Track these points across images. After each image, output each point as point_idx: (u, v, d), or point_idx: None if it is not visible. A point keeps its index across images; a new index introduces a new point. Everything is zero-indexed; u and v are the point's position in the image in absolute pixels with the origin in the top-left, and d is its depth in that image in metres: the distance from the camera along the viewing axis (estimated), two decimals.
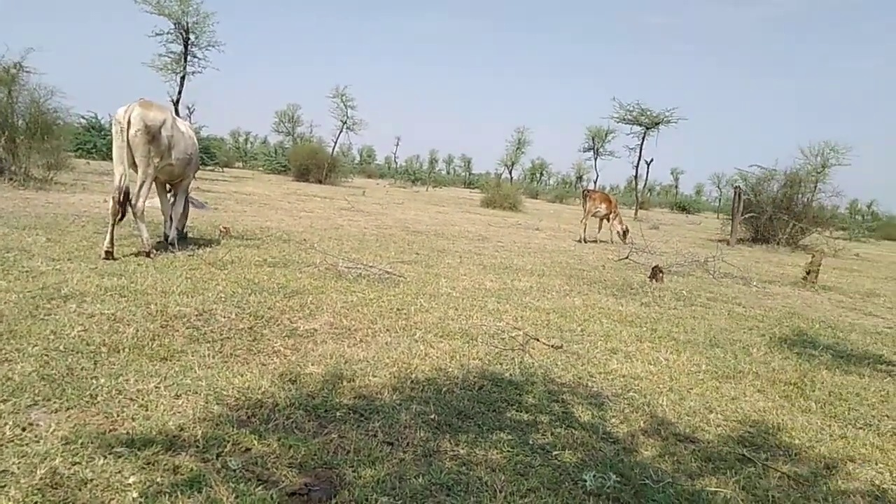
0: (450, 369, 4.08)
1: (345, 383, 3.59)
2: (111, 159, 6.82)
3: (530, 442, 3.07)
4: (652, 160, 38.07)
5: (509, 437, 3.09)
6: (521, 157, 62.91)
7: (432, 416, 3.24)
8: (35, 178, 13.60)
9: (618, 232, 15.97)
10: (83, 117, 29.24)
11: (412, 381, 3.75)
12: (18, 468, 2.30)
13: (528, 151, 63.22)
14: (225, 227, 9.25)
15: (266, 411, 3.07)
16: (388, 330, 4.89)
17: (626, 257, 11.81)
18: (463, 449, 2.90)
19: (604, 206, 15.87)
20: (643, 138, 36.16)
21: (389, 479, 2.52)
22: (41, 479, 2.24)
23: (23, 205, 10.43)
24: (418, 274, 7.66)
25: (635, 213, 33.30)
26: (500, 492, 2.54)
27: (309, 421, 3.02)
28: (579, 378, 4.21)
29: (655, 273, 9.31)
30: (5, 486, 2.17)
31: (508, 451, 2.93)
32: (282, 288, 5.94)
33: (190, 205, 8.16)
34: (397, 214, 17.92)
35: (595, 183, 49.94)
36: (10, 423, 2.64)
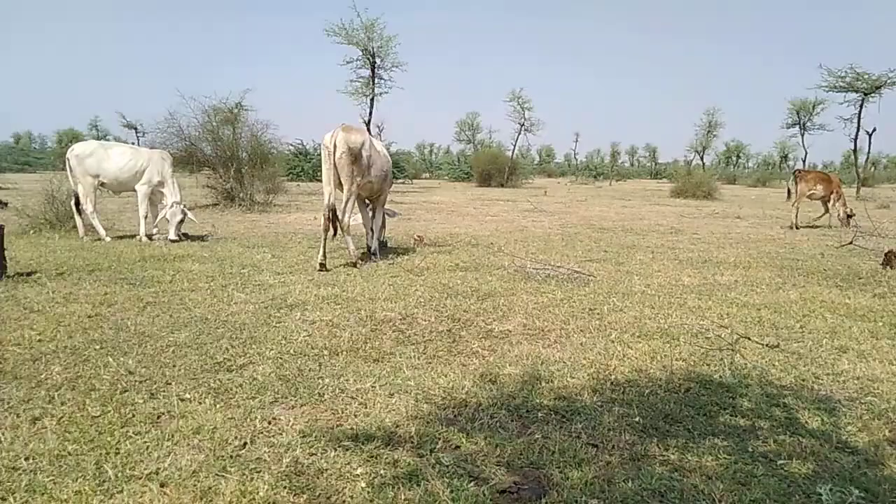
0: (651, 371, 3.92)
1: (543, 384, 3.62)
2: (318, 181, 7.64)
3: (750, 449, 2.84)
4: (874, 130, 33.03)
5: (725, 443, 2.90)
6: (712, 141, 58.31)
7: (636, 419, 3.14)
8: (258, 203, 15.57)
9: (839, 215, 14.12)
10: (291, 145, 32.84)
11: (612, 383, 3.67)
12: (268, 456, 2.65)
13: (720, 134, 58.45)
14: (419, 236, 9.80)
15: (471, 410, 3.20)
16: (581, 330, 4.84)
17: (850, 243, 10.41)
18: (673, 454, 2.77)
19: (821, 186, 14.12)
20: (861, 106, 31.53)
21: (597, 482, 2.50)
22: (287, 466, 2.56)
23: (250, 226, 11.99)
24: (608, 272, 7.46)
25: (857, 191, 29.18)
26: (720, 501, 2.39)
27: (512, 421, 3.09)
28: (802, 380, 3.81)
29: (890, 259, 8.09)
30: (260, 471, 2.52)
31: (725, 458, 2.74)
32: (474, 291, 6.15)
33: (386, 216, 8.78)
34: (581, 212, 17.62)
35: (804, 161, 44.55)
36: (259, 417, 3.05)
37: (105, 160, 9.22)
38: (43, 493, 2.30)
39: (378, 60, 25.36)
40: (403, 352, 4.21)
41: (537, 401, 3.36)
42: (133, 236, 9.56)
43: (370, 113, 26.02)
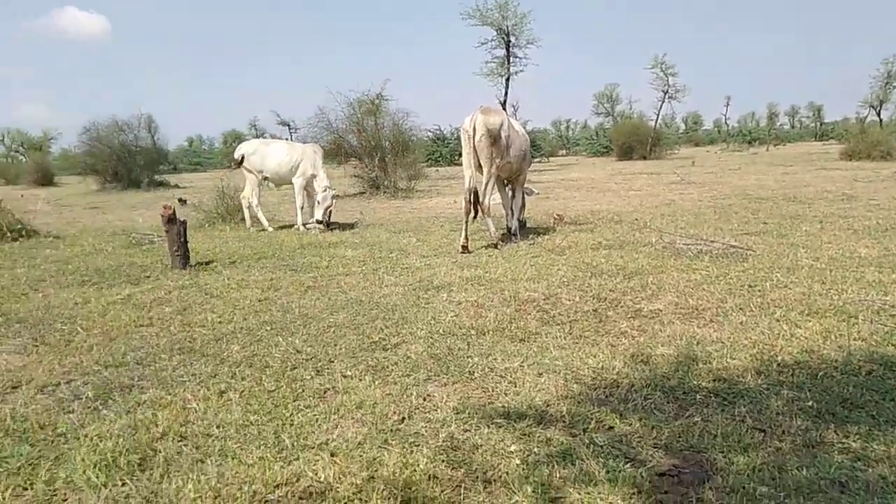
0: (824, 351, 3.58)
1: (700, 365, 3.44)
2: (457, 165, 7.80)
3: None
4: None
5: None
6: (891, 94, 51.35)
7: (809, 404, 2.89)
8: (401, 189, 16.18)
9: None
10: (429, 131, 33.64)
11: (778, 364, 3.41)
12: (426, 431, 2.78)
13: None
14: (558, 215, 9.67)
15: (623, 391, 3.13)
16: (740, 308, 4.52)
17: None
18: (855, 442, 2.52)
19: None
20: None
21: (767, 469, 2.34)
22: (443, 441, 2.67)
23: (395, 212, 12.50)
24: (769, 245, 6.89)
25: None
26: None
27: (668, 403, 2.98)
28: None
29: None
30: (419, 444, 2.65)
31: None
32: (620, 269, 5.96)
33: (525, 195, 8.74)
34: (735, 181, 16.38)
35: None
36: (414, 393, 3.20)
37: (266, 157, 10.03)
38: (233, 458, 2.58)
39: (512, 39, 25.18)
40: (549, 332, 4.20)
41: (694, 382, 3.21)
42: (291, 226, 10.34)
43: (506, 93, 25.97)
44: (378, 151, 16.05)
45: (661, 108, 37.78)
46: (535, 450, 2.56)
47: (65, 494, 2.37)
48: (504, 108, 25.03)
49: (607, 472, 2.35)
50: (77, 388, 3.46)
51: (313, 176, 10.09)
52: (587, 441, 2.61)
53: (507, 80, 25.74)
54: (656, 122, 37.92)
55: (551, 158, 41.17)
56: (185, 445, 2.72)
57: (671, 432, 2.66)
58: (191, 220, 10.03)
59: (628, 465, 2.40)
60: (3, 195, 14.30)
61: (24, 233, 9.80)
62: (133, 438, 2.78)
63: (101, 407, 3.20)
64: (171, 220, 6.90)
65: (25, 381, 3.58)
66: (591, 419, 2.81)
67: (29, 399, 3.33)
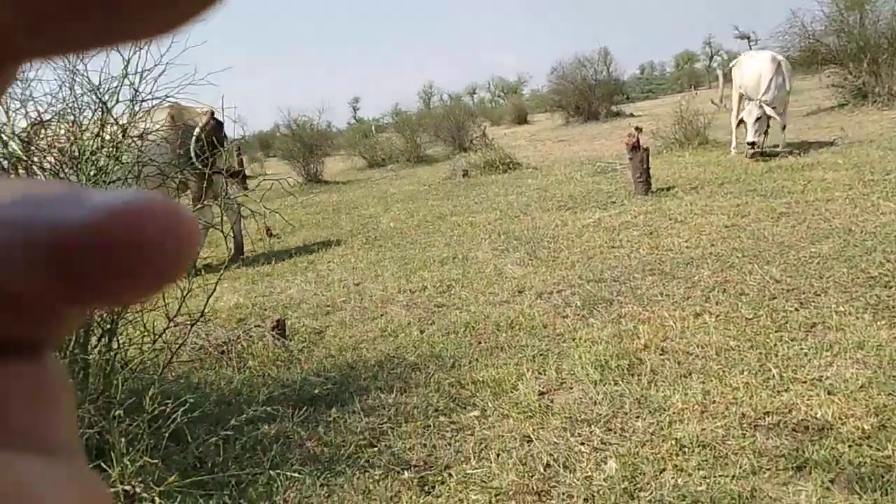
0: None
1: None
2: None
3: None
4: None
5: None
6: None
7: None
8: None
9: None
10: None
11: None
12: None
13: None
14: None
15: None
16: None
17: None
18: None
19: None
20: None
21: None
22: None
23: (890, 125, 10.25)
24: None
25: None
26: None
27: None
28: None
29: None
30: None
31: None
32: None
33: None
34: None
35: None
36: None
37: (744, 68, 9.02)
38: (716, 378, 2.63)
39: None
40: None
41: None
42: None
43: None
44: (867, 52, 13.24)
45: None
46: None
47: (570, 384, 2.82)
48: None
49: None
50: (567, 298, 4.00)
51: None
52: None
53: None
54: None
55: None
56: (666, 359, 2.89)
57: None
58: (650, 146, 10.24)
59: None
60: (492, 134, 17.17)
61: (511, 165, 11.63)
62: (619, 346, 3.09)
63: (588, 315, 3.64)
64: (634, 147, 7.17)
65: (527, 288, 4.32)
66: None
67: (531, 302, 4.01)
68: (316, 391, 3.04)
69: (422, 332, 3.75)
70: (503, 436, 2.45)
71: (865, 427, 2.11)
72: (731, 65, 9.36)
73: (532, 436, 2.41)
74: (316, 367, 3.37)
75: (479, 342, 3.45)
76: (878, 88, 12.98)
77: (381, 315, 4.20)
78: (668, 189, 7.23)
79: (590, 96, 23.49)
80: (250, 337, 3.82)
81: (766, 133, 8.41)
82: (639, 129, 8.10)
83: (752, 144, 8.06)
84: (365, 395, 2.94)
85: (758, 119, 7.99)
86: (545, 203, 7.61)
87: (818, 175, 6.71)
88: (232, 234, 6.74)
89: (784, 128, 8.80)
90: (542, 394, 2.74)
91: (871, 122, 11.02)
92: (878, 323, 2.93)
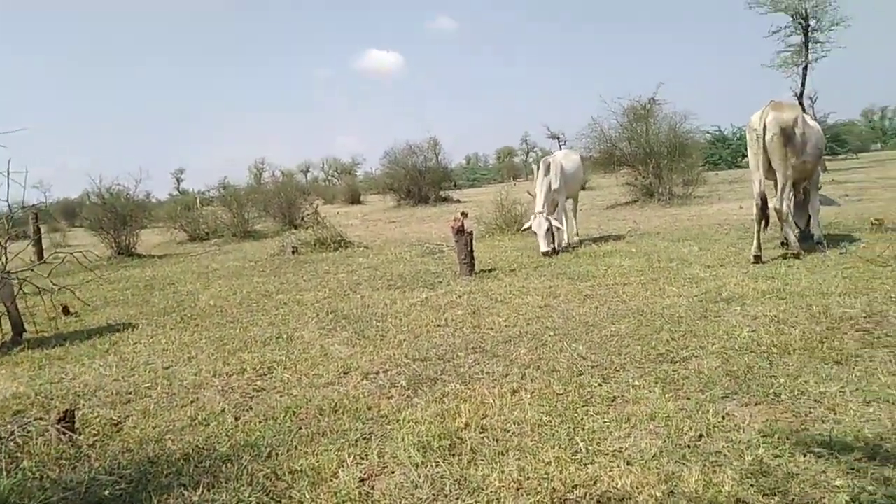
0: None
1: None
2: (739, 167, 7.14)
3: None
4: None
5: None
6: None
7: None
8: (677, 196, 15.34)
9: None
10: (708, 132, 31.28)
11: None
12: (728, 451, 2.60)
13: None
14: (877, 219, 8.21)
15: None
16: None
17: None
18: None
19: None
20: None
21: None
22: (749, 464, 2.46)
23: (671, 220, 11.90)
24: None
25: None
26: None
27: None
28: None
29: None
30: (722, 464, 2.49)
31: None
32: None
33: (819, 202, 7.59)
34: None
35: None
36: (711, 410, 3.01)
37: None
38: (531, 454, 2.72)
39: (812, 22, 22.18)
40: (874, 355, 3.60)
41: None
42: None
43: (802, 84, 22.97)
44: (651, 157, 15.45)
45: None
46: (870, 488, 2.22)
47: (392, 468, 2.75)
48: (801, 102, 22.19)
49: None
50: (393, 377, 3.98)
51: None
52: None
53: (805, 69, 22.71)
54: None
55: (861, 154, 35.10)
56: (486, 437, 2.95)
57: None
58: (475, 230, 10.84)
59: None
60: (324, 213, 17.14)
61: (343, 244, 11.64)
62: (442, 426, 3.10)
63: (412, 395, 3.64)
64: (459, 230, 7.55)
65: (353, 368, 4.23)
66: None
67: (357, 384, 3.93)
68: (106, 492, 2.66)
69: (237, 419, 3.49)
70: None
71: (657, 494, 2.30)
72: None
73: None
74: (109, 465, 2.97)
75: (300, 428, 3.28)
76: (661, 188, 15.11)
77: (192, 402, 3.85)
78: (490, 271, 7.65)
79: (420, 181, 24.56)
80: (28, 432, 3.29)
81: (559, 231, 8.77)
82: (464, 214, 8.51)
83: (546, 254, 8.26)
84: (166, 494, 2.63)
85: (547, 230, 8.34)
86: (375, 282, 7.65)
87: (616, 261, 7.52)
88: (7, 313, 5.90)
89: (566, 231, 9.13)
90: (362, 480, 2.65)
91: (656, 217, 12.72)
92: (667, 395, 3.26)
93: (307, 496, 2.54)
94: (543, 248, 8.30)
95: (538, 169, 8.82)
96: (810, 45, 22.42)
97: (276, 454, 2.96)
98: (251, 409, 3.65)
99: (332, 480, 2.66)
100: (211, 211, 20.00)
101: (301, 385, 3.98)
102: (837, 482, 2.27)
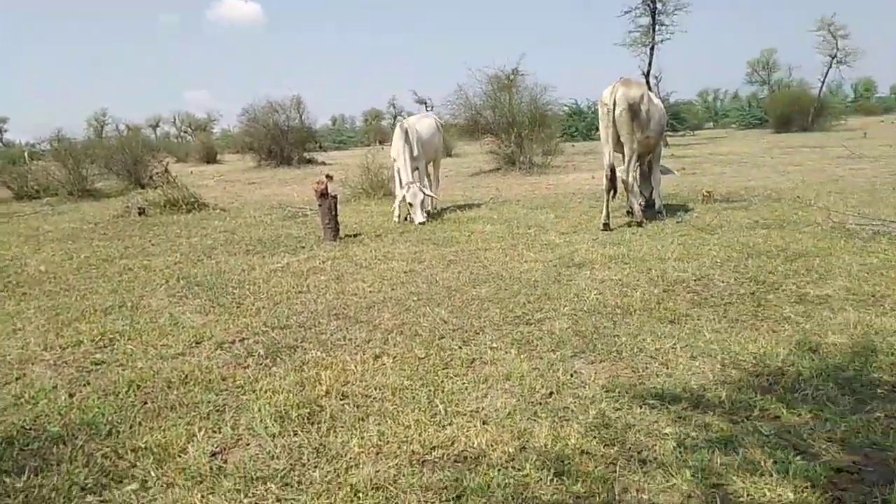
0: None
1: (881, 357, 3.12)
2: (593, 140, 7.57)
3: None
4: None
5: None
6: None
7: None
8: (536, 165, 15.99)
9: None
10: (566, 105, 32.79)
11: None
12: (575, 407, 2.77)
13: None
14: (707, 192, 9.10)
15: (789, 380, 2.91)
16: None
17: None
18: None
19: None
20: None
21: None
22: (594, 418, 2.65)
23: (531, 188, 12.40)
24: None
25: None
26: None
27: (843, 395, 2.74)
28: None
29: None
30: (569, 419, 2.65)
31: None
32: (781, 251, 5.52)
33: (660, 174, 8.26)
34: None
35: None
36: (561, 369, 3.20)
37: (395, 135, 9.01)
38: (391, 419, 2.74)
39: (659, 5, 23.83)
40: (702, 314, 4.00)
41: (875, 375, 2.92)
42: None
43: (649, 63, 24.70)
44: (514, 127, 15.94)
45: (826, 74, 34.08)
46: (693, 434, 2.47)
47: (247, 440, 2.65)
48: (647, 80, 23.85)
49: (775, 462, 2.22)
50: (250, 346, 3.82)
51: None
52: (750, 429, 2.47)
53: (652, 49, 24.44)
54: (821, 90, 34.31)
55: (697, 132, 38.65)
56: (346, 404, 2.92)
57: (849, 427, 2.45)
58: (338, 195, 10.61)
59: (799, 458, 2.24)
60: (176, 172, 15.97)
61: (196, 206, 10.91)
62: (301, 394, 3.03)
63: (271, 364, 3.51)
64: (323, 194, 7.35)
65: (206, 338, 4.00)
66: (754, 407, 2.66)
67: (210, 354, 3.72)
68: None
69: (71, 395, 3.18)
70: None
71: (510, 451, 2.40)
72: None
73: (199, 503, 2.18)
74: None
75: (146, 402, 3.06)
76: (522, 157, 15.66)
77: (18, 378, 3.45)
78: (355, 236, 7.55)
79: (282, 141, 23.55)
80: None
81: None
82: (329, 177, 8.30)
83: (420, 223, 8.12)
84: None
85: (423, 200, 8.30)
86: (232, 247, 7.27)
87: (479, 228, 7.72)
88: None
89: (433, 199, 9.12)
90: (214, 454, 2.52)
91: (517, 185, 13.19)
92: (522, 356, 3.41)
93: (152, 474, 2.38)
94: (419, 218, 8.21)
95: (395, 134, 8.73)
96: (657, 27, 24.14)
97: (118, 432, 2.74)
98: (89, 384, 3.34)
99: (180, 456, 2.51)
100: (42, 166, 17.86)
101: (147, 357, 3.70)
102: (667, 430, 2.51)
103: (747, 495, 2.08)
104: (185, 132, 71.74)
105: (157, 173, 16.16)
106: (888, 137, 21.77)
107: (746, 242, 5.93)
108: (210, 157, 31.91)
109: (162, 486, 2.31)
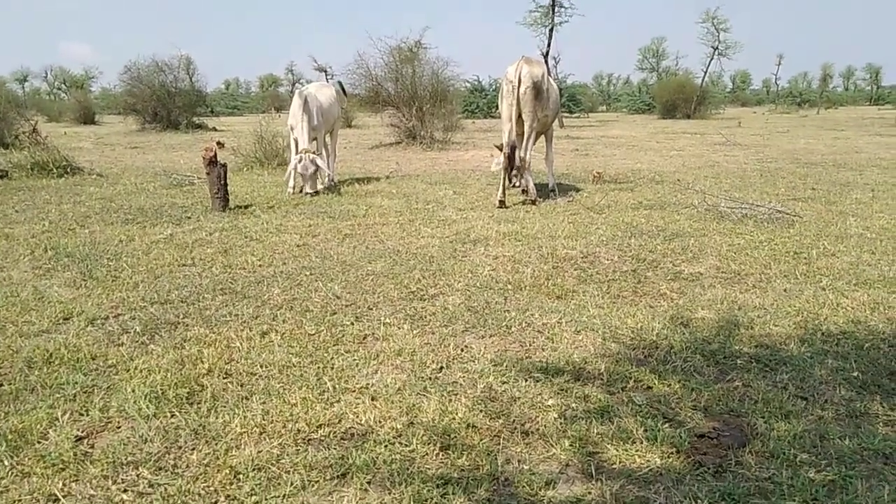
0: (872, 322, 3.50)
1: (742, 330, 3.40)
2: (493, 117, 7.63)
3: None
4: None
5: None
6: None
7: (854, 374, 2.84)
8: (437, 140, 16.01)
9: None
10: (468, 81, 32.97)
11: (823, 334, 3.34)
12: (464, 381, 2.82)
13: None
14: (598, 173, 9.50)
15: (662, 352, 3.11)
16: (785, 275, 4.43)
17: None
18: None
19: None
20: None
21: (808, 436, 2.32)
22: (481, 391, 2.70)
23: (431, 164, 12.42)
24: (817, 212, 6.69)
25: None
26: None
27: (708, 366, 2.96)
28: None
29: None
30: (457, 393, 2.69)
31: None
32: (660, 231, 5.86)
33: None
34: (783, 145, 15.84)
35: None
36: (452, 344, 3.23)
37: (293, 102, 8.62)
38: (277, 397, 2.66)
39: None
40: (587, 290, 4.17)
41: (735, 347, 3.17)
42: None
43: (549, 44, 25.27)
44: (415, 101, 15.85)
45: (709, 64, 36.44)
46: (573, 405, 2.57)
47: (118, 422, 2.48)
48: (546, 61, 24.40)
49: (645, 430, 2.36)
50: (125, 323, 3.57)
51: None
52: (625, 399, 2.62)
53: (551, 30, 25.01)
54: (703, 80, 36.62)
55: (591, 114, 40.20)
56: (230, 382, 2.81)
57: (711, 395, 2.65)
58: (229, 163, 10.11)
59: (667, 425, 2.40)
60: (48, 132, 14.59)
61: (69, 170, 10.03)
62: (181, 373, 2.88)
63: (148, 341, 3.31)
64: (212, 162, 6.96)
65: (76, 314, 3.71)
66: (630, 378, 2.81)
67: (80, 331, 3.45)
68: None
69: None
70: (21, 500, 1.99)
71: (398, 427, 2.40)
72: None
73: (61, 493, 2.02)
74: None
75: (1, 384, 2.79)
76: (423, 132, 15.62)
77: None
78: (246, 207, 7.24)
79: (169, 103, 22.12)
80: None
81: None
82: (220, 144, 7.88)
83: (311, 194, 7.92)
84: None
85: (314, 171, 7.97)
86: (109, 215, 6.76)
87: (377, 202, 7.63)
88: None
89: (328, 175, 8.81)
90: (80, 439, 2.34)
91: (418, 159, 13.16)
92: (414, 332, 3.41)
93: (6, 463, 2.18)
94: (308, 189, 7.99)
95: (293, 101, 8.41)
96: (556, 8, 24.71)
97: None
98: None
99: (40, 442, 2.31)
100: None
101: (6, 334, 3.38)
102: (550, 402, 2.60)
103: (619, 462, 2.20)
104: (59, 89, 65.69)
105: (23, 132, 14.68)
106: (759, 127, 23.67)
107: (630, 222, 6.25)
108: (87, 118, 29.50)
109: (16, 475, 2.12)
